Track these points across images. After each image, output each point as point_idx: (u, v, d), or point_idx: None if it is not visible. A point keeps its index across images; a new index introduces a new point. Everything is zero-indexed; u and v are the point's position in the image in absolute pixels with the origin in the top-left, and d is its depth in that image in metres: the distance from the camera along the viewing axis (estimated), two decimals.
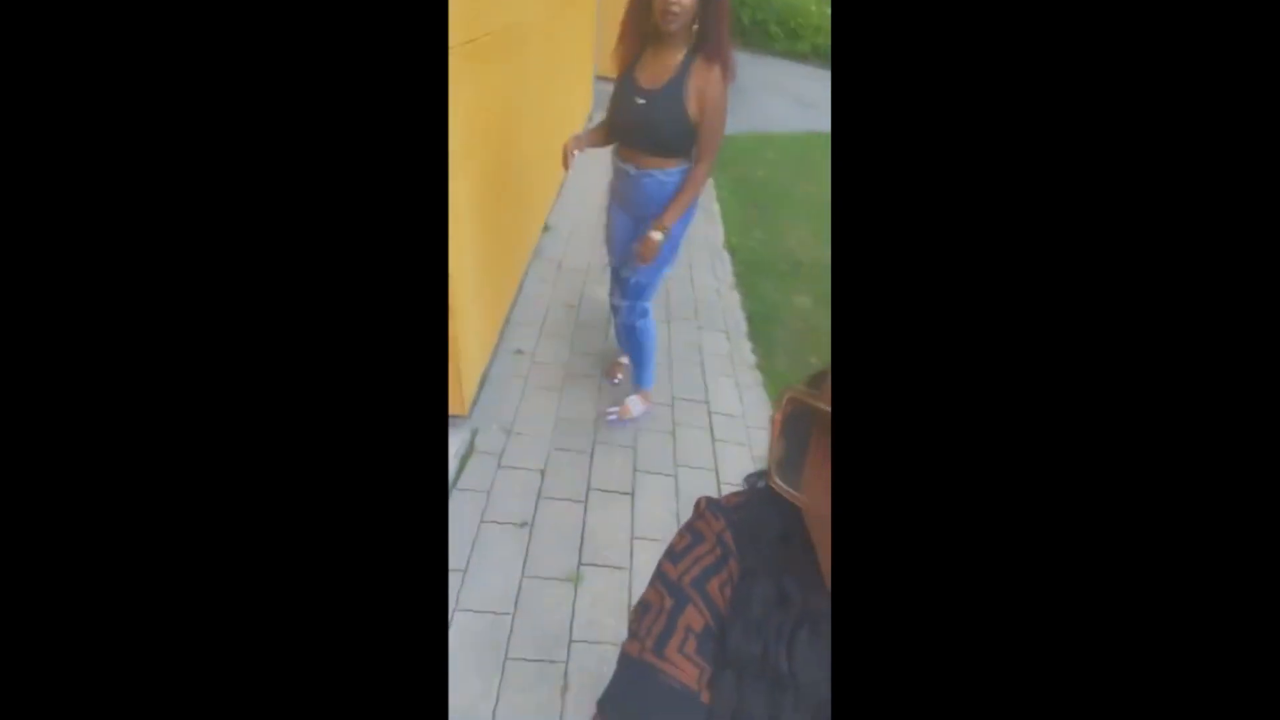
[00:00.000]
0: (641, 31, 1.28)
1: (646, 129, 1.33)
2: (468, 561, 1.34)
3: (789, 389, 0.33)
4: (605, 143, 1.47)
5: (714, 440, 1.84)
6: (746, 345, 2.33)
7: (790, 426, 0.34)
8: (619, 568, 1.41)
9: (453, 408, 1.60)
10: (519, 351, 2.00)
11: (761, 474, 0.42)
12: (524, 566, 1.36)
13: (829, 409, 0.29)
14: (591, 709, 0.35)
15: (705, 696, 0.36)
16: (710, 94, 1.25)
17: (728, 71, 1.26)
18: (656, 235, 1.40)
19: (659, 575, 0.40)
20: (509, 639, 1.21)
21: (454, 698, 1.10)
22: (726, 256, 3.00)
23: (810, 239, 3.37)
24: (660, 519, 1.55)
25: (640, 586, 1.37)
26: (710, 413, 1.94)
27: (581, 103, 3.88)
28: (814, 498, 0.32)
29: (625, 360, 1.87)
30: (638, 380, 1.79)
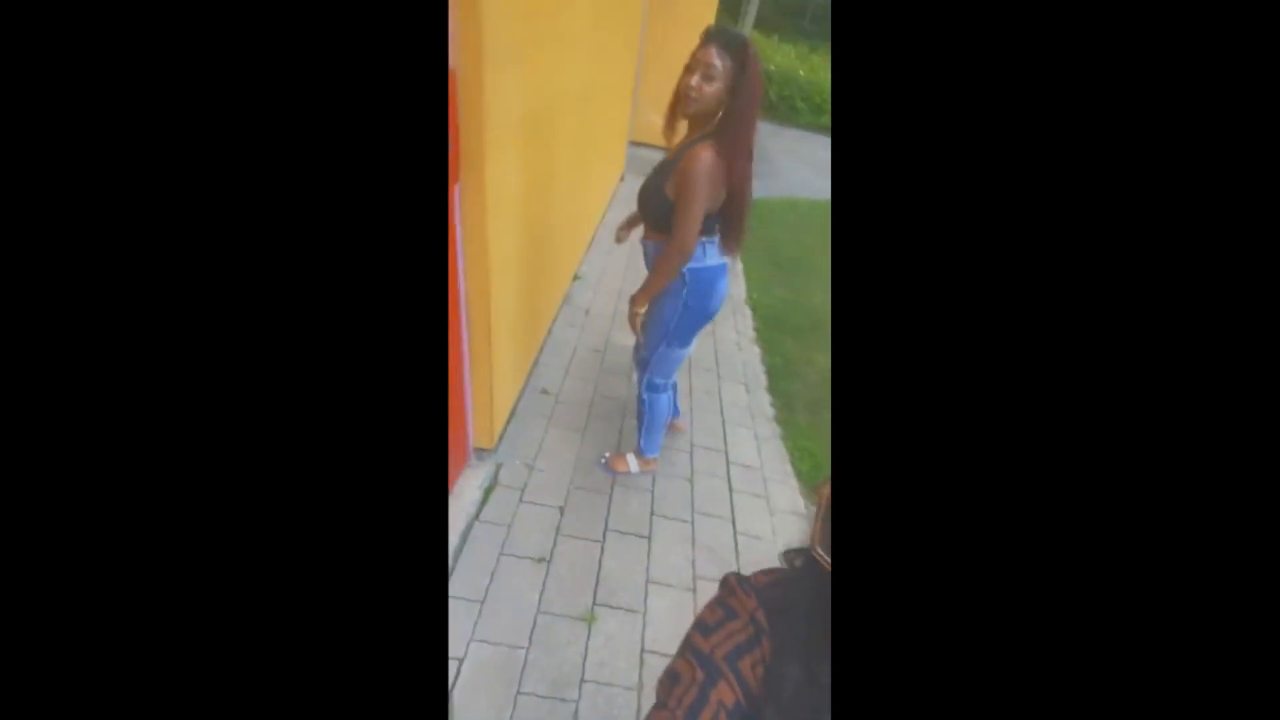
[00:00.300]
0: (678, 112, 1.29)
1: (640, 199, 1.38)
2: (486, 593, 1.36)
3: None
4: None
5: (731, 490, 1.86)
6: (766, 398, 2.37)
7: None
8: (633, 611, 1.41)
9: (480, 440, 1.66)
10: (545, 391, 2.08)
11: (799, 552, 0.43)
12: (540, 602, 1.37)
13: None
14: None
15: None
16: (685, 170, 1.20)
17: (731, 160, 1.20)
18: (630, 309, 1.43)
19: (689, 648, 0.41)
20: (522, 673, 1.21)
21: None
22: (748, 312, 3.09)
23: (830, 299, 3.45)
24: (675, 565, 1.55)
25: (654, 632, 1.37)
26: (728, 462, 1.96)
27: (615, 166, 4.14)
28: None
29: None
30: (639, 444, 1.77)
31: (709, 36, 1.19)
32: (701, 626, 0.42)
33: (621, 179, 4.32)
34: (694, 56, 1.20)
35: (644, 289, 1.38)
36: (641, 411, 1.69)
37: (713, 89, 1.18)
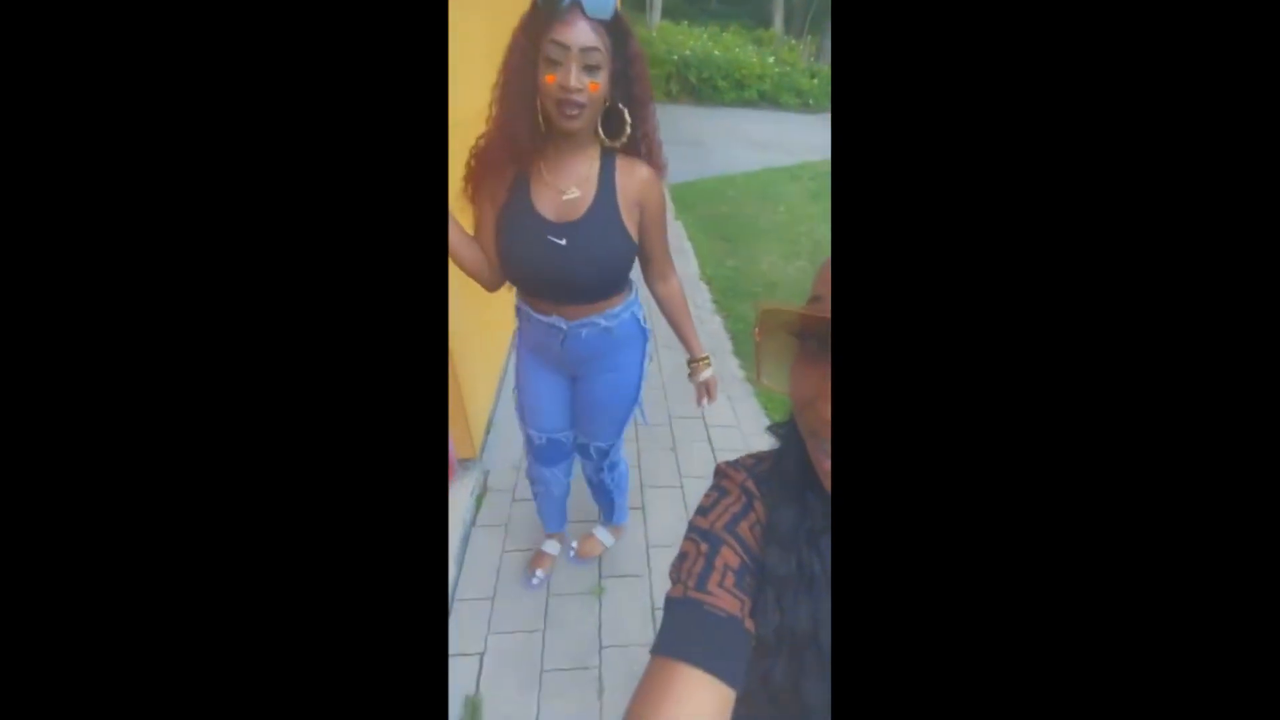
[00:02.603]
0: (527, 140, 0.85)
1: (574, 272, 0.93)
2: (495, 590, 1.41)
3: (762, 303, 0.37)
4: (492, 288, 1.04)
5: (714, 450, 1.93)
6: (733, 361, 2.46)
7: (769, 335, 0.37)
8: (637, 576, 1.48)
9: (463, 452, 1.71)
10: None
11: (780, 424, 0.46)
12: (549, 587, 1.43)
13: (802, 311, 0.34)
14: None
15: (750, 625, 0.38)
16: (652, 202, 0.94)
17: (661, 167, 0.94)
18: (708, 373, 1.14)
19: (692, 529, 0.43)
20: (542, 653, 1.27)
21: (497, 715, 1.15)
22: (704, 287, 3.18)
23: (780, 261, 3.58)
24: (671, 526, 1.62)
25: (660, 590, 1.43)
26: (707, 425, 2.04)
27: None
28: (798, 389, 0.36)
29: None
30: (608, 517, 1.50)
31: (565, 7, 0.75)
32: (700, 510, 0.44)
33: None
34: (550, 42, 0.77)
35: (692, 339, 1.14)
36: (606, 492, 1.39)
37: (602, 83, 0.81)
